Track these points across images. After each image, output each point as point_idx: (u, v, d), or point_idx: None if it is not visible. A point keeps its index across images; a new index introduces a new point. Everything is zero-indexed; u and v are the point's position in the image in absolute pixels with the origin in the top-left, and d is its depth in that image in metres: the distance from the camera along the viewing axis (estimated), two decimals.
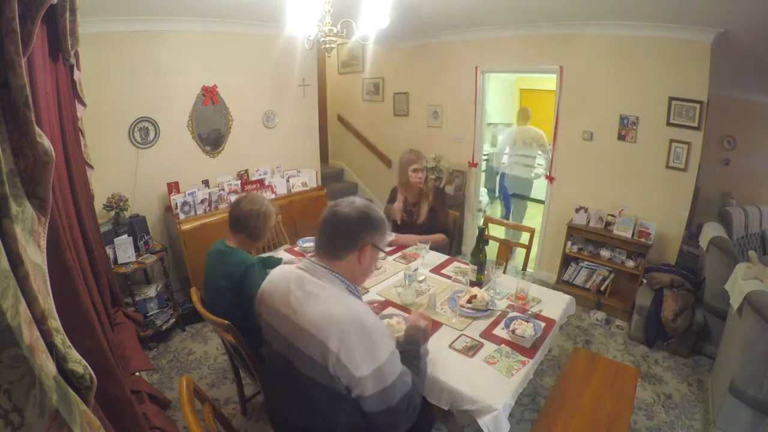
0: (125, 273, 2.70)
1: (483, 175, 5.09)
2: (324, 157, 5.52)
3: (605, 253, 3.36)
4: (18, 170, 0.68)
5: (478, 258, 2.08)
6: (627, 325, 3.12)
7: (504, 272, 2.33)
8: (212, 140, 3.53)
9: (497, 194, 5.57)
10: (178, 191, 3.18)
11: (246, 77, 3.60)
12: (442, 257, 2.50)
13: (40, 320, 0.63)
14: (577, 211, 3.46)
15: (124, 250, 2.73)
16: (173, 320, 2.96)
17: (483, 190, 4.87)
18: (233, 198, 3.01)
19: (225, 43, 3.39)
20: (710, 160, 3.81)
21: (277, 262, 2.18)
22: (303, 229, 3.46)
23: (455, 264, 2.41)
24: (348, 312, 1.14)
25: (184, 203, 3.12)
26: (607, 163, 3.36)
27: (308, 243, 2.58)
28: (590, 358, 2.04)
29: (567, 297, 2.06)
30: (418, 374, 1.29)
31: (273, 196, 3.66)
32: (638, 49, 3.03)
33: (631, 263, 3.24)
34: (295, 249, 2.61)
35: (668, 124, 3.02)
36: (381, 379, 1.11)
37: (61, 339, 0.69)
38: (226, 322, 1.64)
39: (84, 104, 2.25)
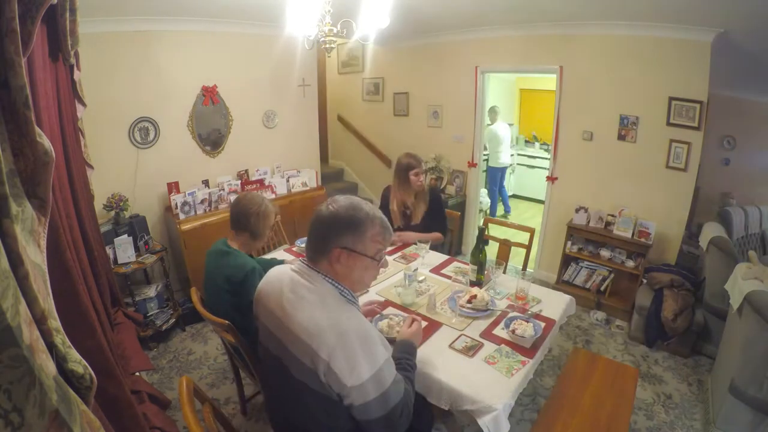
0: (125, 273, 2.70)
1: (483, 175, 5.11)
2: (324, 157, 5.53)
3: (605, 253, 3.36)
4: (18, 170, 0.68)
5: (478, 258, 2.08)
6: (627, 325, 3.12)
7: (504, 272, 2.33)
8: (212, 140, 3.53)
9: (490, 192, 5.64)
10: (178, 191, 3.18)
11: (246, 77, 3.60)
12: (442, 257, 2.50)
13: (40, 320, 0.63)
14: (577, 211, 3.46)
15: (124, 250, 2.73)
16: (173, 320, 2.96)
17: (483, 191, 4.88)
18: (233, 198, 3.01)
19: (225, 43, 3.40)
20: (710, 160, 3.81)
21: (278, 263, 2.18)
22: (302, 229, 3.46)
23: (455, 264, 2.41)
24: (338, 321, 1.10)
25: (184, 203, 3.12)
26: (607, 163, 3.36)
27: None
28: (590, 358, 2.04)
29: (567, 297, 2.06)
30: (412, 382, 1.29)
31: (273, 196, 3.66)
32: (638, 49, 3.03)
33: (631, 263, 3.24)
34: (294, 249, 2.61)
35: (668, 124, 3.02)
36: (374, 388, 1.09)
37: (61, 339, 0.69)
38: (226, 322, 1.64)
39: (84, 104, 2.25)
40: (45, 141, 0.71)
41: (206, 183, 3.46)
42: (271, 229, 2.02)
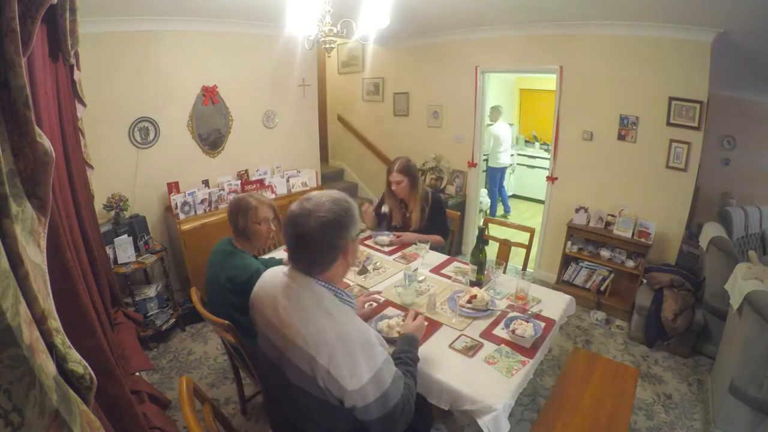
0: (125, 273, 2.70)
1: (483, 175, 5.11)
2: (324, 157, 5.53)
3: (605, 253, 3.36)
4: (18, 170, 0.68)
5: (478, 258, 2.08)
6: (627, 325, 3.12)
7: (504, 272, 2.33)
8: (212, 140, 3.53)
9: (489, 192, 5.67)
10: (178, 191, 3.18)
11: (246, 77, 3.60)
12: (442, 257, 2.49)
13: (40, 320, 0.63)
14: (577, 211, 3.46)
15: (124, 250, 2.73)
16: (173, 320, 2.96)
17: (483, 191, 4.88)
18: (233, 198, 3.01)
19: (225, 43, 3.40)
20: (710, 160, 3.81)
21: (278, 263, 2.18)
22: None
23: (455, 264, 2.41)
24: (335, 325, 1.10)
25: (184, 203, 3.12)
26: (607, 163, 3.36)
27: None
28: (590, 358, 2.04)
29: (567, 297, 2.06)
30: (413, 379, 1.29)
31: (273, 196, 3.66)
32: (638, 49, 3.03)
33: (631, 263, 3.24)
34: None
35: (668, 124, 3.02)
36: (374, 389, 1.09)
37: (61, 339, 0.69)
38: (226, 322, 1.64)
39: (84, 104, 2.25)
40: (45, 141, 0.71)
41: (206, 183, 3.46)
42: (264, 222, 1.97)
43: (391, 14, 2.02)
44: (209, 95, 3.39)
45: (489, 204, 5.45)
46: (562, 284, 3.55)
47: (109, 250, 2.62)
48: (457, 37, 3.97)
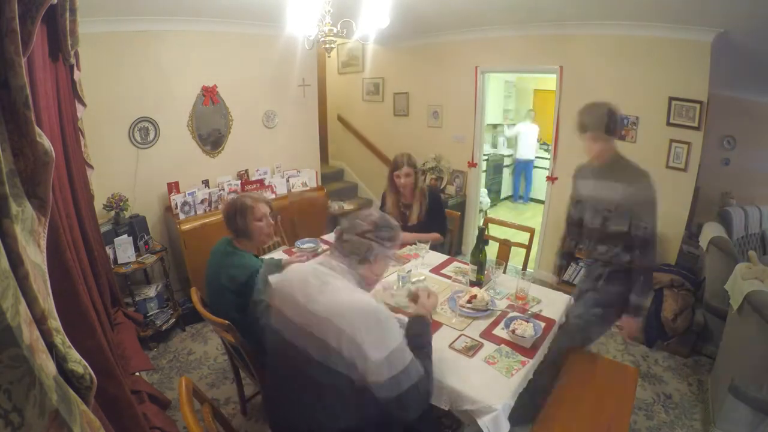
0: (125, 273, 2.70)
1: (483, 175, 5.12)
2: (324, 157, 5.52)
3: None
4: (18, 170, 0.68)
5: (478, 258, 2.08)
6: None
7: (504, 272, 2.33)
8: (212, 140, 3.53)
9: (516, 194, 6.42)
10: (178, 191, 3.18)
11: (246, 77, 3.60)
12: (442, 257, 2.49)
13: (40, 320, 0.63)
14: None
15: (124, 250, 2.73)
16: (173, 320, 2.96)
17: (483, 191, 4.89)
18: (228, 200, 3.02)
19: (225, 43, 3.40)
20: (710, 160, 3.81)
21: (278, 263, 2.18)
22: (303, 229, 3.46)
23: (455, 264, 2.41)
24: (363, 302, 1.21)
25: (184, 203, 3.12)
26: None
27: (307, 244, 2.57)
28: (590, 358, 2.03)
29: (567, 297, 2.06)
30: (429, 360, 1.33)
31: (273, 196, 3.66)
32: (638, 49, 3.03)
33: None
34: (294, 250, 2.57)
35: (668, 124, 3.02)
36: (393, 366, 1.15)
37: (61, 339, 0.69)
38: (226, 322, 1.64)
39: (84, 104, 2.25)
40: (45, 141, 0.71)
41: (206, 183, 3.46)
42: (264, 218, 1.96)
43: (391, 14, 2.02)
44: (209, 95, 3.39)
45: (489, 203, 5.46)
46: (562, 284, 3.53)
47: (109, 250, 2.62)
48: (457, 37, 3.96)
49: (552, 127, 3.97)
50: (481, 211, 4.68)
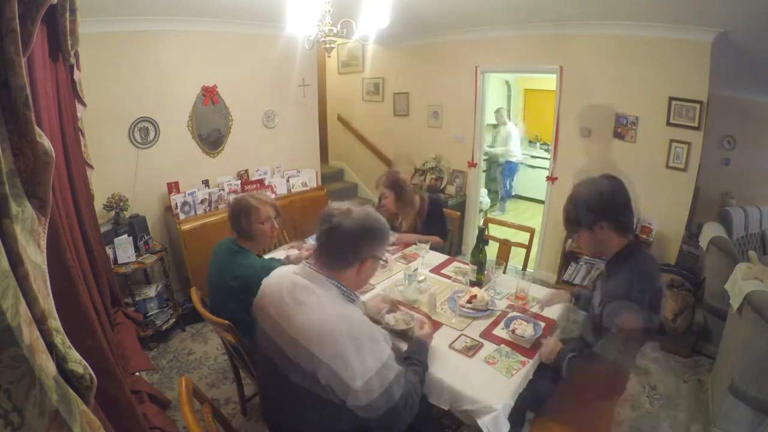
0: (125, 273, 2.70)
1: (483, 175, 5.12)
2: (324, 157, 5.53)
3: None
4: (18, 170, 0.68)
5: (478, 258, 2.08)
6: None
7: (504, 272, 2.33)
8: (212, 140, 3.52)
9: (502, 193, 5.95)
10: (178, 191, 3.18)
11: (246, 77, 3.60)
12: (442, 257, 2.50)
13: (40, 320, 0.63)
14: None
15: (124, 250, 2.73)
16: (173, 320, 2.96)
17: (483, 191, 4.89)
18: (233, 198, 3.01)
19: (225, 43, 3.40)
20: (710, 160, 3.80)
21: (278, 263, 2.18)
22: (304, 228, 3.46)
23: (455, 264, 2.41)
24: (339, 322, 1.12)
25: (184, 203, 3.12)
26: (607, 163, 3.36)
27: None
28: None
29: (567, 295, 2.05)
30: (420, 378, 1.31)
31: (273, 196, 3.65)
32: (638, 49, 3.03)
33: None
34: (303, 246, 2.55)
35: (668, 124, 3.02)
36: (379, 385, 1.11)
37: (61, 339, 0.69)
38: (226, 322, 1.64)
39: (84, 104, 2.25)
40: (45, 141, 0.71)
41: (206, 183, 3.46)
42: (267, 221, 1.96)
43: (391, 14, 2.02)
44: (209, 95, 3.39)
45: (489, 204, 5.45)
46: (562, 284, 3.54)
47: (109, 250, 2.62)
48: (457, 37, 3.96)
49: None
50: (481, 211, 4.68)
